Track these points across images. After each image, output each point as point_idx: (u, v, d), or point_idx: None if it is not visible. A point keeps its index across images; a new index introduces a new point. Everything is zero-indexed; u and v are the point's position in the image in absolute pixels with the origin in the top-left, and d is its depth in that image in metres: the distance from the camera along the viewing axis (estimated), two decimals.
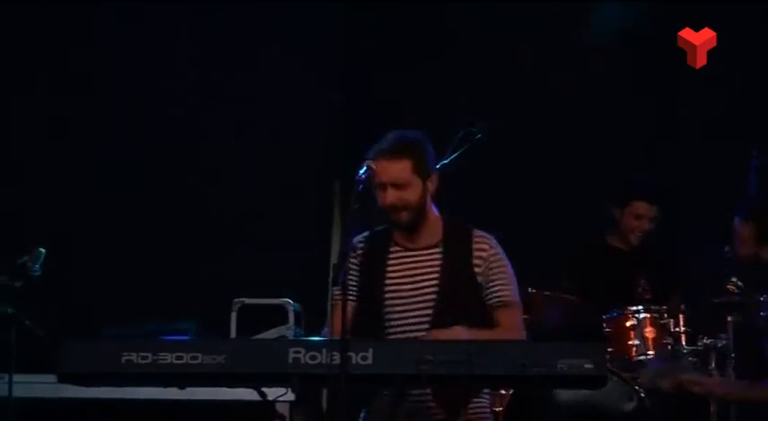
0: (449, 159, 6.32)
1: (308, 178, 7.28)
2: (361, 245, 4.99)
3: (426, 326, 4.82)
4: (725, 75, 7.71)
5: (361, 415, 4.92)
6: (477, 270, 4.90)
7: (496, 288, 4.91)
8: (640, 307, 6.67)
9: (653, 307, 6.68)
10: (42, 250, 6.42)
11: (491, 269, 4.92)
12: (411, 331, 4.83)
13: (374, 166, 4.81)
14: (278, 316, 6.50)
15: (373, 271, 4.83)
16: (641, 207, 7.06)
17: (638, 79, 7.95)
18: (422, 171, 4.87)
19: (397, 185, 4.82)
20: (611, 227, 7.19)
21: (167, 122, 7.82)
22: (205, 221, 7.61)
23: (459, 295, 4.87)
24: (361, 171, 4.77)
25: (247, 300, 6.62)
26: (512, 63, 7.95)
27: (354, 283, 4.88)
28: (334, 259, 4.65)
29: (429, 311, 4.84)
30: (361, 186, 4.73)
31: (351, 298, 4.81)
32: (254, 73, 7.89)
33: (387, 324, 4.85)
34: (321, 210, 5.05)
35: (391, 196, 4.82)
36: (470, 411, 4.87)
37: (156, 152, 7.77)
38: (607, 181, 7.37)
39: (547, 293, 6.77)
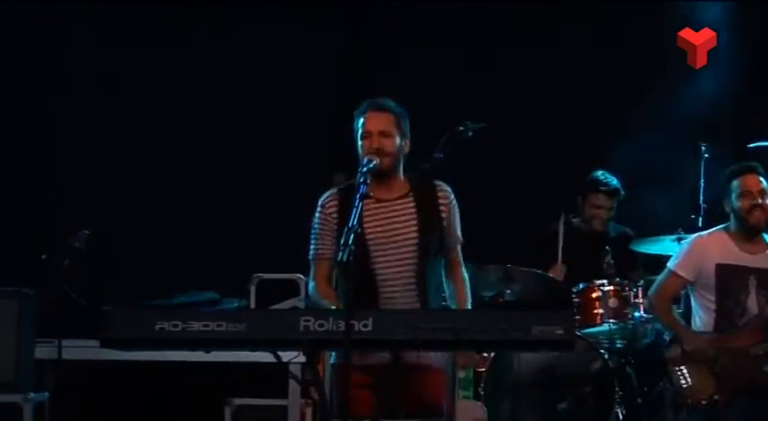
0: (441, 152, 6.35)
1: (315, 169, 7.30)
2: (334, 199, 4.99)
3: (411, 264, 4.90)
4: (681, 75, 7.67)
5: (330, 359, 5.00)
6: (443, 215, 5.00)
7: (455, 229, 5.04)
8: (605, 280, 6.70)
9: (616, 280, 6.71)
10: (86, 232, 6.47)
11: (452, 213, 5.03)
12: (398, 269, 4.90)
13: (363, 118, 4.95)
14: (291, 289, 6.52)
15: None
16: (598, 198, 7.10)
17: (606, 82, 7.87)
18: (400, 128, 4.96)
19: (383, 133, 4.90)
20: (579, 213, 7.23)
21: (190, 112, 7.82)
22: (227, 209, 7.62)
23: (434, 235, 4.95)
24: (366, 164, 4.81)
25: (264, 275, 6.63)
26: (498, 67, 7.89)
27: (333, 237, 4.92)
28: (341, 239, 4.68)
29: (413, 251, 4.90)
30: (363, 178, 4.74)
31: (329, 253, 4.92)
32: (272, 72, 7.87)
33: (374, 266, 4.87)
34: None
35: (378, 142, 4.88)
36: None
37: (182, 142, 7.77)
38: (577, 175, 7.35)
39: (523, 269, 6.80)
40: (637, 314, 6.55)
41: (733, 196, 5.70)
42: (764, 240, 5.72)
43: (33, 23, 7.88)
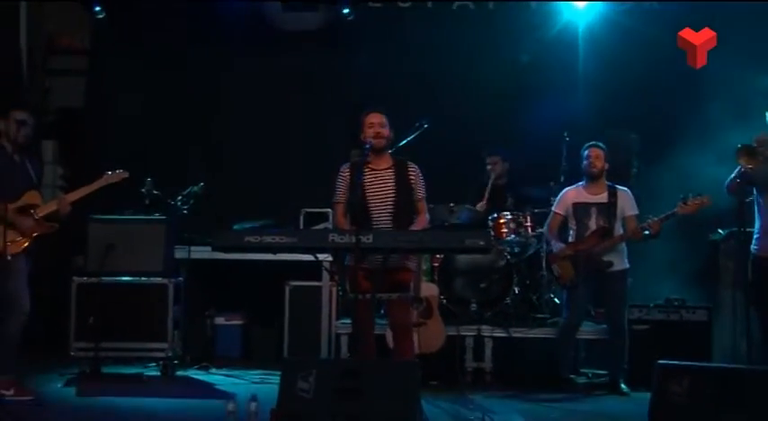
0: (410, 137, 6.28)
1: (340, 145, 7.13)
2: (347, 168, 5.01)
3: (390, 212, 4.87)
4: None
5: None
6: (411, 183, 4.99)
7: (419, 191, 5.01)
8: (508, 212, 6.67)
9: (515, 212, 6.68)
10: (202, 184, 6.46)
11: (417, 182, 5.01)
12: (382, 215, 4.87)
13: (367, 117, 4.92)
14: (324, 217, 6.50)
15: (357, 183, 4.80)
16: (495, 159, 6.86)
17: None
18: (389, 121, 5.01)
19: (381, 124, 4.96)
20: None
21: (274, 110, 7.42)
22: (288, 168, 7.47)
23: (406, 195, 4.95)
24: (366, 146, 4.94)
25: (308, 210, 6.63)
26: (442, 74, 7.28)
27: (346, 189, 4.95)
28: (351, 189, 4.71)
29: (392, 204, 4.89)
30: (366, 151, 4.92)
31: (344, 200, 4.98)
32: (321, 86, 7.44)
33: (368, 212, 4.85)
34: (346, 160, 5.12)
35: (379, 129, 4.93)
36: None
37: (264, 127, 7.44)
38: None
39: (459, 206, 6.74)
40: (526, 233, 6.53)
41: (584, 161, 5.91)
42: (605, 185, 5.90)
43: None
